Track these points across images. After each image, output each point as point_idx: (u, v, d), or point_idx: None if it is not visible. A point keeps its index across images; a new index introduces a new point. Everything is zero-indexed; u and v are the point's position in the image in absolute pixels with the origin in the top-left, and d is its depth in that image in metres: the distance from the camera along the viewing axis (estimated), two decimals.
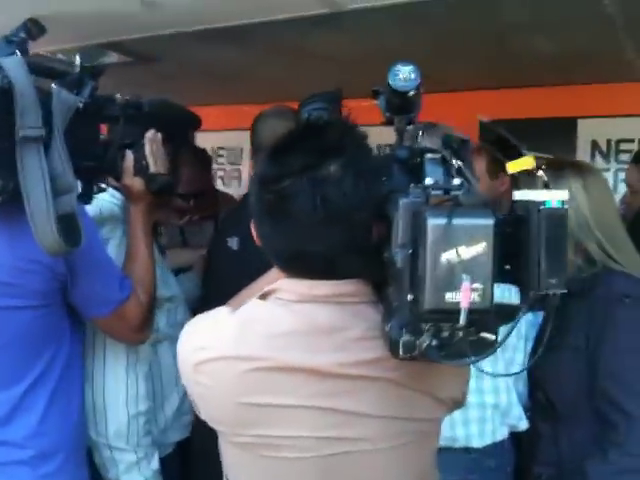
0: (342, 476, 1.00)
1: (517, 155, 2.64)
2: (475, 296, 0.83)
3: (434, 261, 0.83)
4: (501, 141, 2.61)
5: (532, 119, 3.05)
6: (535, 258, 0.83)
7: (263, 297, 1.05)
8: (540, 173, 1.70)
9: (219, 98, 3.72)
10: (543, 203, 0.83)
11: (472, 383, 1.55)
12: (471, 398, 1.57)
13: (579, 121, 3.21)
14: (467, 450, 1.58)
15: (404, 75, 1.11)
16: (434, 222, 0.83)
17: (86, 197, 1.46)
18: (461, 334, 0.88)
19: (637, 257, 1.60)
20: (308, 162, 0.95)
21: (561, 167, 1.65)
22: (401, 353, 0.90)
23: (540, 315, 1.70)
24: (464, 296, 0.81)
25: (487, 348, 0.91)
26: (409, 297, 0.87)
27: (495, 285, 0.84)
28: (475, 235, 0.83)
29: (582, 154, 3.20)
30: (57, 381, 1.47)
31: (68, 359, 1.50)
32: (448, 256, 0.83)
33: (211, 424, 1.06)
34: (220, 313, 1.06)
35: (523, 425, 1.65)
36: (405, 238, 0.88)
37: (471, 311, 0.84)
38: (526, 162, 0.90)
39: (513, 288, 0.93)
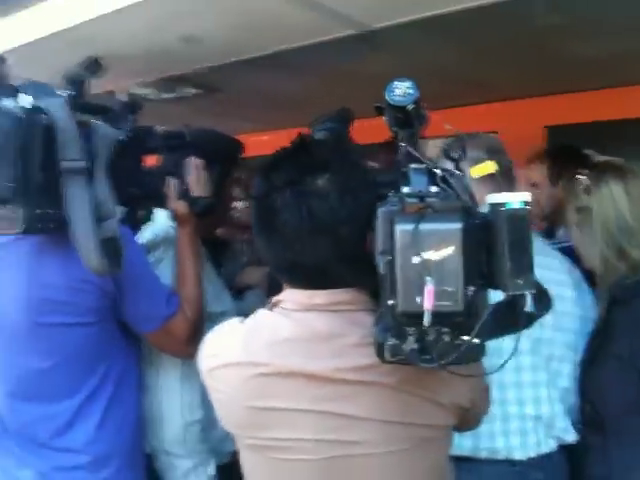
0: (342, 478, 1.04)
1: (584, 161, 2.57)
2: (446, 299, 0.86)
3: (404, 265, 0.87)
4: (566, 148, 2.57)
5: (603, 122, 2.94)
6: (501, 259, 0.84)
7: (270, 307, 1.11)
8: (581, 177, 1.68)
9: (278, 123, 3.88)
10: (504, 204, 0.84)
11: (511, 394, 1.54)
12: (511, 409, 1.55)
13: None
14: (510, 462, 1.55)
15: (401, 90, 1.16)
16: (402, 228, 0.87)
17: (131, 221, 1.59)
18: (447, 338, 0.90)
19: None
20: (293, 177, 1.01)
21: (603, 170, 1.62)
22: (387, 357, 0.93)
23: (590, 323, 1.65)
24: (427, 298, 0.84)
25: (477, 353, 0.92)
26: (390, 302, 0.90)
27: None
28: (443, 240, 0.86)
29: None
30: (113, 392, 1.59)
31: (123, 371, 1.62)
32: (418, 260, 0.86)
33: (227, 428, 1.13)
34: (231, 322, 1.14)
35: (571, 438, 1.59)
36: (384, 245, 0.91)
37: (443, 314, 0.86)
38: (487, 167, 0.91)
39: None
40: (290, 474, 1.06)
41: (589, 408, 1.55)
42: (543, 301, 1.13)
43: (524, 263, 0.85)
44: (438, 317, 0.86)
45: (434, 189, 0.94)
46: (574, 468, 1.63)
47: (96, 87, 1.58)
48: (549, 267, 1.65)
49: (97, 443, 1.56)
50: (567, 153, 2.45)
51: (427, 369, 0.97)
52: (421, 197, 0.92)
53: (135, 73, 2.42)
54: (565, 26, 2.00)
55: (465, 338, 0.90)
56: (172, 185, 1.64)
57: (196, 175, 1.65)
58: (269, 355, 1.05)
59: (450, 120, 3.57)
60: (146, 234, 1.81)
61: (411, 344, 0.91)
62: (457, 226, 0.85)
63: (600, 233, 1.56)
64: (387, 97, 1.17)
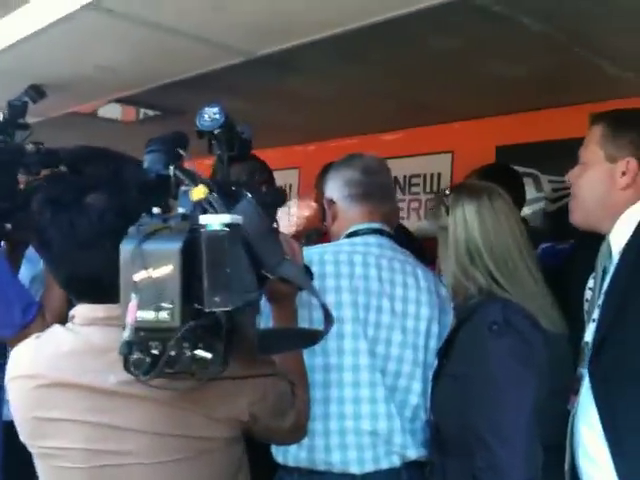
0: None
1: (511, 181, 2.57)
2: (164, 314, 0.89)
3: (126, 282, 0.90)
4: (493, 169, 2.57)
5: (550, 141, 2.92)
6: (201, 277, 0.87)
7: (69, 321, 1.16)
8: (445, 197, 1.68)
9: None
10: (205, 226, 0.87)
11: (349, 409, 1.56)
12: (348, 423, 1.56)
13: None
14: (348, 476, 1.54)
15: (208, 115, 1.21)
16: (125, 247, 0.91)
17: None
18: (173, 352, 0.93)
19: (531, 283, 1.51)
20: (57, 196, 1.06)
21: (460, 191, 1.62)
22: (132, 370, 0.97)
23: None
24: (130, 313, 0.87)
25: (209, 367, 0.95)
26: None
27: None
28: (163, 258, 0.89)
29: None
30: None
31: None
32: (140, 277, 0.90)
33: (21, 438, 1.17)
34: (30, 338, 1.19)
35: (412, 454, 1.59)
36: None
37: (160, 329, 0.89)
38: (198, 192, 0.94)
39: None
40: None
41: (433, 426, 1.55)
42: (327, 319, 1.17)
43: (222, 282, 0.87)
44: (157, 332, 0.90)
45: (181, 210, 0.97)
46: None
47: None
48: (406, 285, 1.68)
49: None
50: (498, 172, 2.45)
51: (202, 384, 1.01)
52: (165, 219, 0.95)
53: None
54: (471, 47, 2.02)
55: (200, 353, 0.93)
56: None
57: None
58: (49, 368, 1.09)
59: (408, 140, 3.64)
60: None
61: (152, 358, 0.94)
62: (176, 247, 0.89)
63: (453, 253, 1.56)
64: (197, 122, 1.22)
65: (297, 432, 1.29)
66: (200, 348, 0.92)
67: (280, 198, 1.49)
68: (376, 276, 1.69)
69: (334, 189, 1.81)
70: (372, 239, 1.75)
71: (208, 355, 0.93)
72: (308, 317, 1.57)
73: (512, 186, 2.33)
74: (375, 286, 1.67)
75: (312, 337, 1.21)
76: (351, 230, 1.77)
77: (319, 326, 1.60)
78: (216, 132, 1.20)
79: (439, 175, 3.26)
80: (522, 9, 1.68)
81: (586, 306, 1.52)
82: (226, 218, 0.87)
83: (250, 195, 1.11)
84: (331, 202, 1.82)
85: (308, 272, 1.42)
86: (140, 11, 1.66)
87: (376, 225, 1.78)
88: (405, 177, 3.44)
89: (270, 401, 1.17)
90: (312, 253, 1.67)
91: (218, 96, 2.62)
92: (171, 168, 1.08)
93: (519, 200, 2.47)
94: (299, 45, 1.87)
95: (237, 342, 1.00)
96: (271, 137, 3.68)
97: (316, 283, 1.62)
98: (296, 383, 1.27)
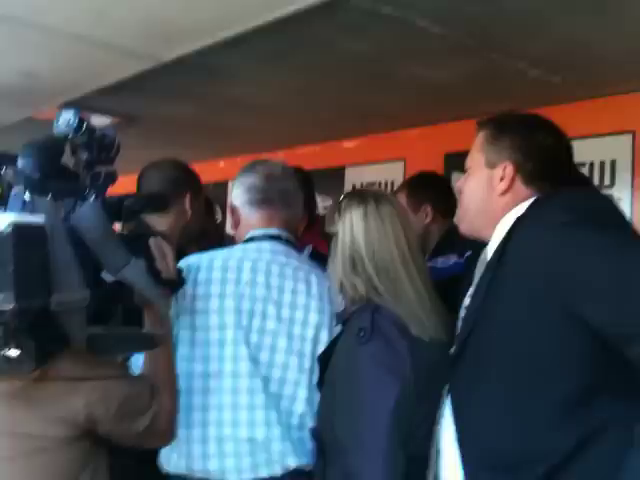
0: None
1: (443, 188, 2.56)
2: None
3: None
4: (425, 176, 2.54)
5: None
6: None
7: None
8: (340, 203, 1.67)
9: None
10: None
11: (228, 415, 1.54)
12: (227, 430, 1.54)
13: None
14: None
15: (64, 120, 1.23)
16: None
17: None
18: None
19: (410, 291, 1.48)
20: None
21: (351, 197, 1.60)
22: None
23: None
24: None
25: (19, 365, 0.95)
26: None
27: None
28: None
29: None
30: None
31: None
32: None
33: None
34: None
35: (292, 463, 1.55)
36: None
37: None
38: None
39: None
40: None
41: (315, 433, 1.52)
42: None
43: (4, 281, 0.87)
44: None
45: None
46: None
47: None
48: (295, 291, 1.66)
49: None
50: (425, 181, 2.42)
51: (37, 384, 1.04)
52: None
53: None
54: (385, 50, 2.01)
55: (9, 352, 0.93)
56: None
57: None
58: None
59: (365, 148, 3.61)
60: None
61: None
62: None
63: (339, 258, 1.54)
64: (54, 126, 1.23)
65: (156, 437, 1.29)
66: (9, 347, 0.93)
67: (151, 204, 1.48)
68: (264, 282, 1.67)
69: (237, 195, 1.80)
70: (267, 245, 1.74)
71: (16, 353, 0.93)
72: (190, 323, 1.56)
73: (440, 194, 2.32)
74: (262, 292, 1.66)
75: (148, 342, 1.21)
76: (248, 236, 1.76)
77: (202, 332, 1.62)
78: (71, 136, 1.20)
79: (392, 183, 3.24)
80: (414, 11, 1.66)
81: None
82: (10, 218, 0.86)
83: (96, 199, 1.12)
84: (234, 208, 1.82)
85: (180, 277, 1.41)
86: (43, 18, 1.67)
87: (273, 231, 1.76)
88: (362, 184, 3.43)
89: (113, 404, 1.17)
90: (202, 259, 1.66)
91: (177, 100, 2.69)
92: None
93: (450, 208, 2.44)
94: (207, 47, 1.86)
95: (58, 341, 1.00)
96: (234, 145, 3.72)
97: (202, 288, 1.62)
98: (160, 387, 1.27)
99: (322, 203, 3.59)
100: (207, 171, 4.47)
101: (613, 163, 2.41)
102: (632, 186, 2.36)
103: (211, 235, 2.84)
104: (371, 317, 1.43)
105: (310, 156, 3.65)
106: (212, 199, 3.15)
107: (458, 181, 1.57)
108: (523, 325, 1.25)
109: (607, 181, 2.43)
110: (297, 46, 1.97)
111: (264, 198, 1.75)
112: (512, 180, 1.41)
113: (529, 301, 1.24)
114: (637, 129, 2.34)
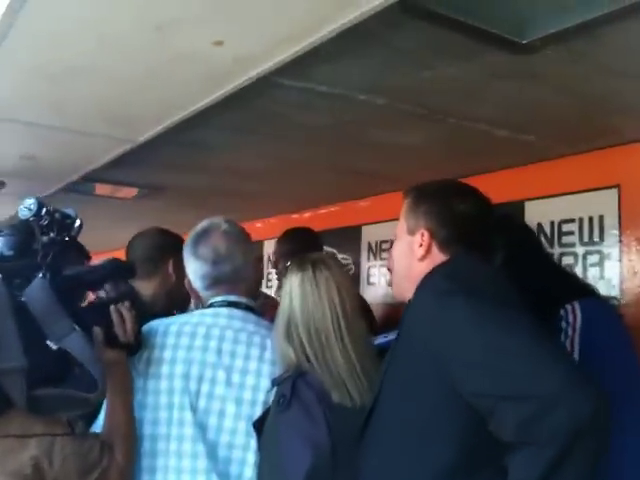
0: None
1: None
2: None
3: None
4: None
5: None
6: None
7: None
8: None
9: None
10: None
11: (172, 478, 1.62)
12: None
13: None
14: None
15: (26, 206, 1.45)
16: None
17: None
18: None
19: (338, 357, 1.52)
20: None
21: (293, 262, 1.67)
22: None
23: None
24: None
25: None
26: None
27: None
28: None
29: None
30: None
31: None
32: None
33: None
34: None
35: None
36: None
37: None
38: None
39: None
40: None
41: None
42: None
43: None
44: None
45: None
46: None
47: None
48: (248, 357, 1.72)
49: None
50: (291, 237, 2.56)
51: None
52: None
53: None
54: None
55: None
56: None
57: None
58: None
59: (379, 207, 3.64)
60: None
61: None
62: None
63: (278, 324, 1.61)
64: (18, 211, 1.45)
65: None
66: None
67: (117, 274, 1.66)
68: (216, 348, 1.74)
69: (189, 274, 1.85)
70: (224, 311, 1.80)
71: None
72: (143, 386, 1.65)
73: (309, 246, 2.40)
74: (212, 358, 1.72)
75: (83, 403, 1.34)
76: (209, 302, 1.85)
77: (153, 396, 1.71)
78: (31, 219, 1.39)
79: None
80: (349, 87, 1.75)
81: None
82: None
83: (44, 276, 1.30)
84: (190, 285, 1.90)
85: (137, 342, 1.63)
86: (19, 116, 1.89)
87: (232, 298, 1.83)
88: (377, 243, 3.48)
89: (57, 458, 1.31)
90: (161, 323, 1.76)
91: (183, 170, 2.90)
92: None
93: None
94: (177, 124, 2.00)
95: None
96: (261, 207, 3.87)
97: (156, 353, 1.70)
98: (115, 445, 1.40)
99: (343, 262, 3.67)
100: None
101: (601, 218, 2.36)
102: (620, 241, 2.30)
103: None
104: (292, 384, 1.48)
105: (329, 216, 3.77)
106: None
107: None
108: (410, 390, 1.29)
109: (596, 237, 2.37)
110: (261, 118, 2.08)
111: (215, 282, 1.82)
112: (429, 246, 1.46)
113: (415, 367, 1.28)
114: (621, 183, 2.29)
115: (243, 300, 1.86)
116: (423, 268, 1.45)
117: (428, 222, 1.47)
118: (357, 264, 3.57)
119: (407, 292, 1.51)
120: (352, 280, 3.10)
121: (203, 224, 1.84)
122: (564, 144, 2.29)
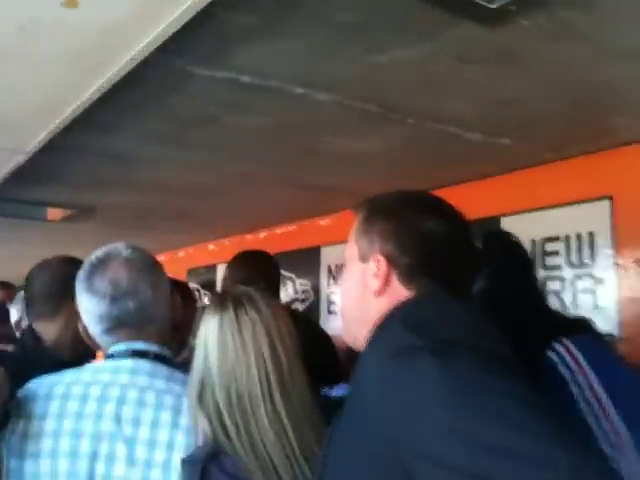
0: None
1: None
2: None
3: None
4: None
5: None
6: None
7: None
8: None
9: None
10: None
11: None
12: None
13: None
14: None
15: None
16: None
17: None
18: None
19: (269, 431, 1.17)
20: None
21: (211, 298, 1.36)
22: None
23: None
24: None
25: None
26: None
27: None
28: None
29: None
30: None
31: None
32: None
33: None
34: None
35: None
36: None
37: None
38: None
39: None
40: None
41: None
42: None
43: None
44: None
45: None
46: None
47: None
48: (157, 424, 1.34)
49: None
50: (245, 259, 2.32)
51: None
52: None
53: None
54: None
55: None
56: None
57: None
58: None
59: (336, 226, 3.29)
60: None
61: None
62: None
63: (194, 382, 1.26)
64: None
65: None
66: None
67: None
68: (113, 413, 1.36)
69: (83, 315, 1.49)
70: (127, 363, 1.43)
71: None
72: (17, 468, 1.28)
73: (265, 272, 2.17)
74: (109, 427, 1.34)
75: None
76: (108, 352, 1.47)
77: (64, 458, 1.31)
78: None
79: None
80: (286, 79, 1.40)
81: None
82: None
83: None
84: (85, 330, 1.52)
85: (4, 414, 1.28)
86: None
87: (138, 345, 1.45)
88: (338, 266, 3.10)
89: None
90: (43, 384, 1.38)
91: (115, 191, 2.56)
92: None
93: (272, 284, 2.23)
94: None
95: None
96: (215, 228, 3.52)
97: (35, 425, 1.35)
98: None
99: (301, 287, 3.29)
100: (196, 255, 4.34)
101: (591, 236, 2.01)
102: (615, 263, 1.94)
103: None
104: (201, 470, 1.12)
105: (286, 236, 3.39)
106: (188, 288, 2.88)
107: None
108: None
109: (586, 258, 2.01)
110: (182, 121, 1.73)
111: (115, 324, 1.45)
112: (386, 277, 1.09)
113: (366, 447, 0.90)
114: (615, 193, 1.95)
115: (152, 348, 1.47)
116: (381, 306, 1.08)
117: (385, 245, 1.09)
118: (316, 290, 3.18)
119: (361, 338, 1.15)
120: (304, 317, 2.68)
121: (99, 251, 1.48)
122: (546, 148, 1.94)
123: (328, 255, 3.15)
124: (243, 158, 2.08)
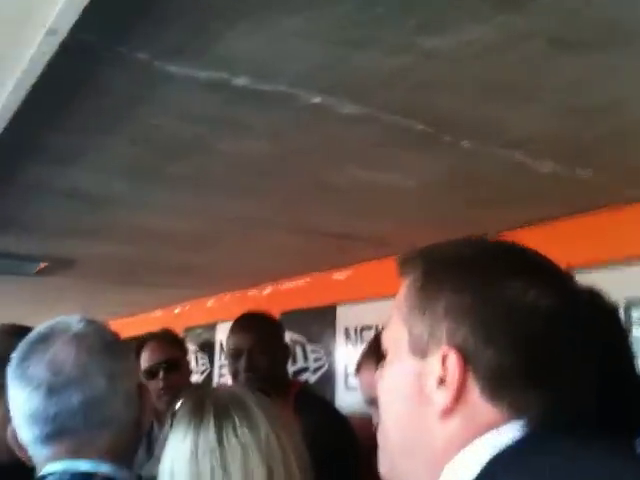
0: None
1: None
2: None
3: None
4: None
5: None
6: None
7: None
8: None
9: None
10: None
11: None
12: None
13: None
14: None
15: None
16: None
17: None
18: None
19: None
20: None
21: (185, 401, 1.03)
22: None
23: None
24: None
25: None
26: None
27: None
28: None
29: None
30: None
31: None
32: None
33: None
34: None
35: None
36: None
37: None
38: None
39: None
40: None
41: None
42: None
43: None
44: None
45: None
46: None
47: None
48: None
49: None
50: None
51: None
52: None
53: None
54: None
55: None
56: None
57: None
58: None
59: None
60: None
61: None
62: None
63: None
64: None
65: None
66: None
67: None
68: None
69: (13, 414, 1.08)
70: None
71: None
72: None
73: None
74: None
75: None
76: (41, 474, 1.03)
77: None
78: None
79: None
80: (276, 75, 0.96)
81: None
82: None
83: None
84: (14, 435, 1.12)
85: None
86: None
87: (83, 465, 1.03)
88: (357, 329, 2.62)
89: None
90: None
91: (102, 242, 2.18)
92: None
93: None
94: None
95: None
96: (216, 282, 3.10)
97: None
98: None
99: (313, 355, 2.80)
100: (194, 312, 3.90)
101: None
102: None
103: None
104: None
105: (295, 293, 2.93)
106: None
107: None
108: None
109: None
110: (152, 149, 1.31)
111: (53, 431, 1.04)
112: (461, 384, 0.66)
113: None
114: None
115: (102, 468, 1.08)
116: (451, 434, 0.65)
117: (458, 331, 0.66)
118: (331, 357, 2.69)
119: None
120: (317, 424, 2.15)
121: (44, 325, 1.11)
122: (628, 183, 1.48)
123: (345, 315, 2.67)
124: (239, 197, 1.64)
